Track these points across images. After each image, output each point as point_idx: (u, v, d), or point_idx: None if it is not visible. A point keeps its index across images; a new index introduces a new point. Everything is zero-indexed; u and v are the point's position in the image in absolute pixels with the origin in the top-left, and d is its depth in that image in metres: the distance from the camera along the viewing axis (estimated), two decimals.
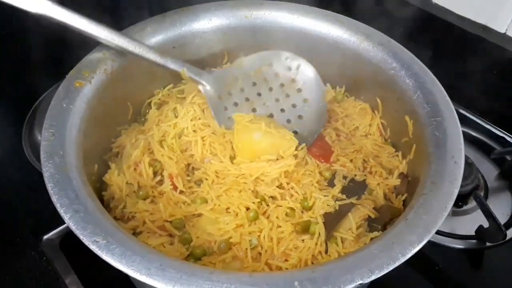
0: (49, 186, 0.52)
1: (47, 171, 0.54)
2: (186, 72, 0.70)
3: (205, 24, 0.78)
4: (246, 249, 0.59)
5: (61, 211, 0.51)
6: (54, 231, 0.77)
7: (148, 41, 0.73)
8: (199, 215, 0.64)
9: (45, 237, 0.76)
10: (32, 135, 0.92)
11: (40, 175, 0.84)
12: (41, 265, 0.74)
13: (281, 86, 0.75)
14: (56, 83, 0.95)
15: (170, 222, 0.62)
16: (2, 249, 0.76)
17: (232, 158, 0.69)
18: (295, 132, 0.72)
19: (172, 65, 0.69)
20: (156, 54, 0.68)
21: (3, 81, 0.98)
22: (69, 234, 0.76)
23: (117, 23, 0.77)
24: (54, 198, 0.52)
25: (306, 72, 0.74)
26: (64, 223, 0.73)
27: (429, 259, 0.78)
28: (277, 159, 0.67)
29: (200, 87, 0.72)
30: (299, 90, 0.75)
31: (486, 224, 0.78)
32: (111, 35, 0.65)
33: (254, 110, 0.74)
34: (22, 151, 0.90)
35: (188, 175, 0.69)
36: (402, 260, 0.48)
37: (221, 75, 0.74)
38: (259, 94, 0.75)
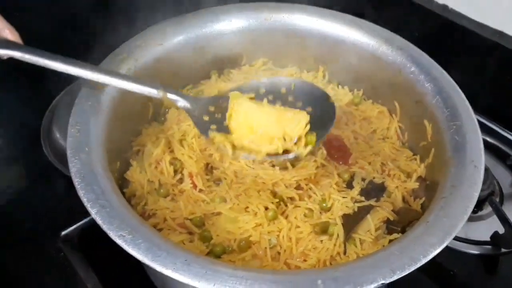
0: (76, 181, 0.53)
1: (74, 166, 0.55)
2: (165, 91, 0.65)
3: (225, 25, 0.79)
4: (266, 248, 0.60)
5: (88, 205, 0.51)
6: (72, 228, 0.78)
7: (169, 42, 0.75)
8: (219, 213, 0.64)
9: (63, 233, 0.77)
10: (50, 132, 0.93)
11: (58, 173, 0.87)
12: (58, 261, 0.75)
13: (278, 103, 0.68)
14: (75, 81, 0.98)
15: (190, 220, 0.63)
16: (20, 245, 0.77)
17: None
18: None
19: (148, 88, 0.64)
20: (129, 81, 0.64)
21: (21, 79, 1.00)
22: (86, 230, 0.77)
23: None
24: (81, 193, 0.52)
25: (302, 87, 0.70)
26: (81, 219, 0.78)
27: (444, 264, 0.78)
28: (284, 139, 0.62)
29: (180, 104, 0.66)
30: (300, 104, 0.68)
31: (501, 230, 0.78)
32: (82, 70, 0.61)
33: None
34: (40, 149, 0.91)
35: (207, 174, 0.70)
36: (424, 261, 0.49)
37: (206, 101, 0.69)
38: None
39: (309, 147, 0.61)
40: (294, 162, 0.67)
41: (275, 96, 0.69)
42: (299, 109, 0.66)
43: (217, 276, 0.46)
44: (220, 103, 0.68)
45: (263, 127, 0.61)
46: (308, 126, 0.62)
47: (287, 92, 0.69)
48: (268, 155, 0.64)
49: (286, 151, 0.64)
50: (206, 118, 0.67)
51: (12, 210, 0.82)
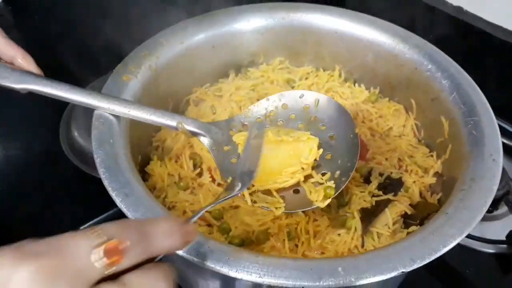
0: (101, 171, 0.55)
1: (99, 157, 0.56)
2: (184, 126, 0.62)
3: (244, 25, 0.80)
4: (284, 240, 0.61)
5: (113, 194, 0.53)
6: (90, 223, 0.79)
7: (189, 40, 0.76)
8: (237, 206, 0.65)
9: (81, 228, 0.79)
10: (69, 130, 0.94)
11: (76, 170, 0.88)
12: None
13: (300, 127, 0.66)
14: (94, 80, 1.00)
15: (209, 212, 0.64)
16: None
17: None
18: (323, 174, 0.62)
19: (167, 120, 0.62)
20: (147, 112, 0.62)
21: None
22: None
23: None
24: (106, 182, 0.54)
25: (327, 106, 0.66)
26: (100, 214, 0.79)
27: (459, 263, 0.78)
28: (302, 168, 0.60)
29: (202, 139, 0.63)
30: (323, 126, 0.65)
31: None
32: (106, 104, 0.60)
33: None
34: (59, 147, 0.92)
35: None
36: (443, 251, 0.49)
37: (225, 124, 0.66)
38: None
39: (328, 200, 0.59)
40: None
41: (297, 115, 0.66)
42: (322, 132, 0.64)
43: (240, 263, 0.47)
44: (241, 125, 0.66)
45: (282, 167, 0.60)
46: (321, 150, 0.61)
47: (310, 110, 0.66)
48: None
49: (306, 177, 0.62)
50: (226, 148, 0.64)
51: (31, 208, 0.83)
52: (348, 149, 0.61)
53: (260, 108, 0.68)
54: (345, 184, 0.59)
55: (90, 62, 1.01)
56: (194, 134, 0.63)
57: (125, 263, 0.33)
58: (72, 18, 1.08)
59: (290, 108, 0.67)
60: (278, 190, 0.61)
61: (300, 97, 0.68)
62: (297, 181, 0.60)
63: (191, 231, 0.39)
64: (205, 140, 0.63)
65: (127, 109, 0.61)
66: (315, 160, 0.60)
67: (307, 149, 0.59)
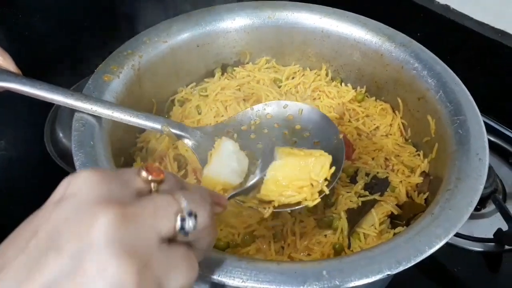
0: None
1: (79, 159, 0.55)
2: (169, 129, 0.61)
3: (229, 24, 0.79)
4: (270, 242, 0.60)
5: None
6: None
7: (174, 39, 0.75)
8: None
9: None
10: (54, 132, 0.93)
11: (62, 172, 0.87)
12: None
13: (284, 135, 0.65)
14: (77, 82, 0.99)
15: None
16: None
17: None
18: None
19: (152, 123, 0.61)
20: (131, 114, 0.60)
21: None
22: None
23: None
24: None
25: (310, 114, 0.67)
26: None
27: (447, 262, 0.78)
28: (312, 185, 0.58)
29: (186, 141, 0.63)
30: (307, 134, 0.65)
31: (504, 227, 0.78)
32: (89, 105, 0.59)
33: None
34: (44, 148, 0.91)
35: None
36: (429, 252, 0.48)
37: (210, 131, 0.65)
38: (259, 146, 0.64)
39: (317, 200, 0.57)
40: None
41: (282, 124, 0.66)
42: (306, 139, 0.64)
43: (222, 267, 0.46)
44: (226, 132, 0.65)
45: (290, 180, 0.57)
46: (333, 168, 0.58)
47: (294, 120, 0.66)
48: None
49: None
50: (210, 153, 0.62)
51: (15, 209, 0.82)
52: (333, 153, 0.59)
53: (244, 117, 0.67)
54: (332, 185, 0.58)
55: (76, 62, 1.00)
56: (179, 137, 0.63)
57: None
58: (58, 17, 1.06)
59: (275, 117, 0.67)
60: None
61: (284, 107, 0.68)
62: (304, 197, 0.57)
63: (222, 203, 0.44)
64: (189, 143, 0.63)
65: (110, 111, 0.60)
66: (326, 179, 0.58)
67: (319, 165, 0.57)
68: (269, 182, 0.57)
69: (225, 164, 0.60)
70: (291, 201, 0.57)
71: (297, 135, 0.65)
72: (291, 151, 0.58)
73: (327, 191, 0.57)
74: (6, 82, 0.56)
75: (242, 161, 0.61)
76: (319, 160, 0.57)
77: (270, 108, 0.68)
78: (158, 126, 0.61)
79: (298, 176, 0.57)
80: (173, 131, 0.62)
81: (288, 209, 0.59)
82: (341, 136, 0.63)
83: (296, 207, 0.58)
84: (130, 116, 0.60)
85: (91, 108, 0.59)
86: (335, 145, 0.62)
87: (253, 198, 0.59)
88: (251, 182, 0.59)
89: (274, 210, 0.58)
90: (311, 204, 0.57)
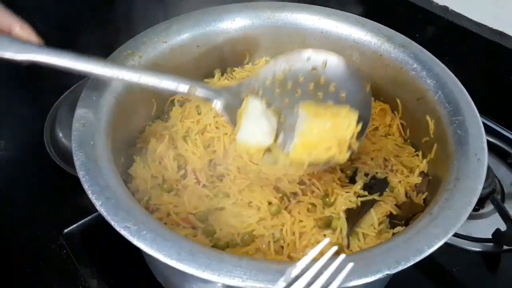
0: (81, 174, 0.54)
1: (79, 159, 0.55)
2: (195, 91, 0.61)
3: (229, 24, 0.79)
4: (269, 241, 0.60)
5: (92, 197, 0.52)
6: (75, 225, 0.78)
7: (174, 40, 0.75)
8: (222, 208, 0.64)
9: (66, 230, 0.77)
10: (53, 132, 0.93)
11: (61, 172, 0.87)
12: (61, 258, 0.75)
13: (310, 89, 0.64)
14: (78, 82, 0.98)
15: (194, 214, 0.63)
16: (23, 243, 0.77)
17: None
18: None
19: (178, 86, 0.60)
20: (157, 77, 0.60)
21: (25, 79, 1.01)
22: (89, 228, 0.78)
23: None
24: (85, 186, 0.53)
25: (335, 67, 0.64)
26: (85, 217, 0.78)
27: (446, 261, 0.78)
28: (339, 144, 0.58)
29: (214, 104, 0.62)
30: (333, 87, 0.63)
31: (503, 228, 0.78)
32: (116, 71, 0.59)
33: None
34: (43, 148, 0.91)
35: (210, 170, 0.70)
36: (428, 252, 0.49)
37: (236, 90, 0.64)
38: (286, 101, 0.64)
39: (348, 155, 0.58)
40: None
41: (306, 78, 0.64)
42: (332, 94, 0.62)
43: (222, 266, 0.46)
44: (251, 90, 0.63)
45: (318, 140, 0.58)
46: (360, 125, 0.58)
47: (318, 72, 0.63)
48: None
49: None
50: (238, 111, 0.62)
51: (16, 209, 0.82)
52: (361, 107, 0.59)
53: (268, 72, 0.65)
54: (361, 141, 0.58)
55: None
56: (207, 98, 0.61)
57: None
58: (57, 17, 1.06)
59: (299, 70, 0.64)
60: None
61: (308, 59, 0.65)
62: (332, 155, 0.57)
63: None
64: (217, 104, 0.61)
65: (137, 75, 0.59)
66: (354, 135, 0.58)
67: (346, 124, 0.57)
68: (298, 145, 0.58)
69: (255, 125, 0.60)
70: (320, 160, 0.57)
71: (322, 89, 0.63)
72: (317, 111, 0.58)
73: (355, 148, 0.57)
74: (30, 54, 0.56)
75: (271, 120, 0.61)
76: (346, 119, 0.57)
77: (293, 61, 0.65)
78: (185, 89, 0.60)
79: (326, 136, 0.57)
80: (200, 93, 0.61)
81: (320, 168, 0.59)
82: (368, 87, 0.61)
83: (327, 165, 0.58)
84: (157, 80, 0.60)
85: (117, 76, 0.59)
86: (363, 98, 0.61)
87: (285, 157, 0.59)
88: (280, 140, 0.59)
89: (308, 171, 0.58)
90: (341, 160, 0.57)
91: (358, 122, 0.58)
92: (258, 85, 0.64)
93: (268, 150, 0.61)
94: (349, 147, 0.57)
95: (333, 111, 0.58)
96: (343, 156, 0.57)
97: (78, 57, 0.58)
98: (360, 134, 0.58)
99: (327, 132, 0.57)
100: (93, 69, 0.58)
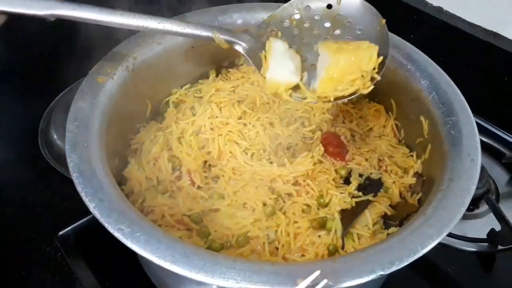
0: (74, 176, 0.53)
1: (72, 161, 0.55)
2: (218, 35, 0.62)
3: (223, 25, 0.79)
4: (264, 243, 0.60)
5: (86, 200, 0.51)
6: (70, 227, 0.78)
7: (168, 41, 0.75)
8: (217, 210, 0.64)
9: (61, 233, 0.77)
10: (48, 133, 0.93)
11: (56, 174, 0.87)
12: (56, 260, 0.75)
13: (327, 27, 0.65)
14: (71, 84, 0.98)
15: (188, 216, 0.63)
16: (18, 244, 0.77)
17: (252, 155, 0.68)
18: None
19: (201, 31, 0.62)
20: (180, 25, 0.62)
21: (19, 80, 1.00)
22: (84, 230, 0.78)
23: None
24: (79, 188, 0.52)
25: (350, 2, 0.64)
26: (79, 219, 0.77)
27: (441, 261, 0.78)
28: (362, 76, 0.60)
29: (237, 48, 0.64)
30: (349, 23, 0.64)
31: (497, 228, 0.78)
32: (138, 21, 0.60)
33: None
34: (38, 150, 0.91)
35: (205, 171, 0.70)
36: (422, 252, 0.49)
37: (256, 33, 0.65)
38: (305, 41, 0.65)
39: (371, 87, 0.60)
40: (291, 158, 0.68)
41: (322, 16, 0.65)
42: (349, 30, 0.64)
43: (216, 269, 0.46)
44: (270, 32, 0.65)
45: (342, 74, 0.59)
46: (381, 57, 0.60)
47: (333, 9, 0.64)
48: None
49: None
50: (261, 54, 0.63)
51: (11, 211, 0.82)
52: (377, 41, 0.60)
53: (284, 13, 0.66)
54: (381, 72, 0.59)
55: (69, 64, 0.99)
56: (229, 42, 0.63)
57: None
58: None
59: (314, 10, 0.65)
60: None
61: None
62: (356, 88, 0.60)
63: None
64: (240, 48, 0.63)
65: (161, 25, 0.60)
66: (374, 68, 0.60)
67: (367, 57, 0.59)
68: (324, 80, 0.60)
69: (281, 65, 0.61)
70: (346, 93, 0.59)
71: (339, 26, 0.64)
72: (339, 46, 0.60)
73: (378, 77, 0.59)
74: (54, 9, 0.57)
75: (295, 59, 0.62)
76: (367, 52, 0.59)
77: (307, 0, 0.65)
78: (209, 34, 0.62)
79: (350, 70, 0.59)
80: (223, 37, 0.62)
81: (346, 99, 0.61)
82: (383, 21, 0.63)
83: (352, 97, 0.60)
84: (181, 28, 0.61)
85: (140, 25, 0.60)
86: (379, 32, 0.63)
87: (312, 93, 0.61)
88: (305, 79, 0.61)
89: (333, 102, 0.61)
90: (365, 91, 0.59)
91: (378, 55, 0.60)
92: (276, 27, 0.65)
93: (295, 88, 0.62)
94: (372, 79, 0.60)
95: (354, 45, 0.60)
96: (367, 88, 0.60)
97: (101, 10, 0.58)
98: (381, 66, 0.60)
99: (351, 65, 0.59)
100: (117, 21, 0.59)
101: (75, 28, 0.97)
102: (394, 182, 0.67)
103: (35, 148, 0.91)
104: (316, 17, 0.65)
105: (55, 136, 0.91)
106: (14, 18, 0.60)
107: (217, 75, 0.83)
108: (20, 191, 0.84)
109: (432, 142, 0.67)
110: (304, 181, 0.67)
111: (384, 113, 0.78)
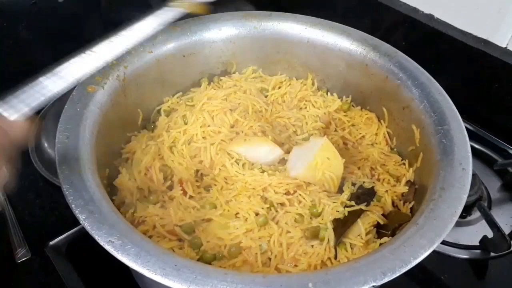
0: (64, 188, 0.53)
1: (62, 172, 0.55)
2: None
3: (215, 33, 0.79)
4: (256, 253, 0.60)
5: (76, 211, 0.51)
6: (60, 237, 0.77)
7: (159, 49, 0.75)
8: (209, 220, 0.64)
9: (51, 243, 0.76)
10: (38, 142, 0.92)
11: (46, 182, 0.86)
12: (46, 271, 0.74)
13: None
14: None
15: (180, 226, 0.63)
16: (7, 254, 0.76)
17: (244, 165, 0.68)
18: None
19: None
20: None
21: (10, 88, 0.99)
22: (74, 240, 0.77)
23: None
24: (69, 199, 0.52)
25: None
26: (69, 229, 0.77)
27: (433, 269, 0.78)
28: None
29: None
30: None
31: (490, 235, 0.78)
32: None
33: None
34: (28, 158, 0.90)
35: (197, 181, 0.69)
36: (414, 263, 0.49)
37: None
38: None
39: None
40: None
41: None
42: None
43: (207, 281, 0.46)
44: None
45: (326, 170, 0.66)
46: None
47: None
48: None
49: None
50: None
51: (1, 220, 0.81)
52: None
53: None
54: None
55: None
56: None
57: None
58: (43, 25, 1.05)
59: None
60: None
61: None
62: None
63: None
64: None
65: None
66: None
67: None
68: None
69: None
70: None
71: None
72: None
73: None
74: None
75: None
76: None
77: None
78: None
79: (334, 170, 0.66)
80: None
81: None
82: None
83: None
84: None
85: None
86: None
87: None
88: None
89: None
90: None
91: None
92: None
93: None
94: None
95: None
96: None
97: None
98: None
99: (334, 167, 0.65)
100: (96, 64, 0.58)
101: (67, 35, 0.96)
102: (386, 191, 0.67)
103: (25, 156, 0.90)
104: None
105: (45, 144, 0.91)
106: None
107: (209, 84, 0.83)
108: (9, 200, 0.83)
109: (424, 151, 0.67)
110: (295, 191, 0.66)
111: (376, 121, 0.78)
